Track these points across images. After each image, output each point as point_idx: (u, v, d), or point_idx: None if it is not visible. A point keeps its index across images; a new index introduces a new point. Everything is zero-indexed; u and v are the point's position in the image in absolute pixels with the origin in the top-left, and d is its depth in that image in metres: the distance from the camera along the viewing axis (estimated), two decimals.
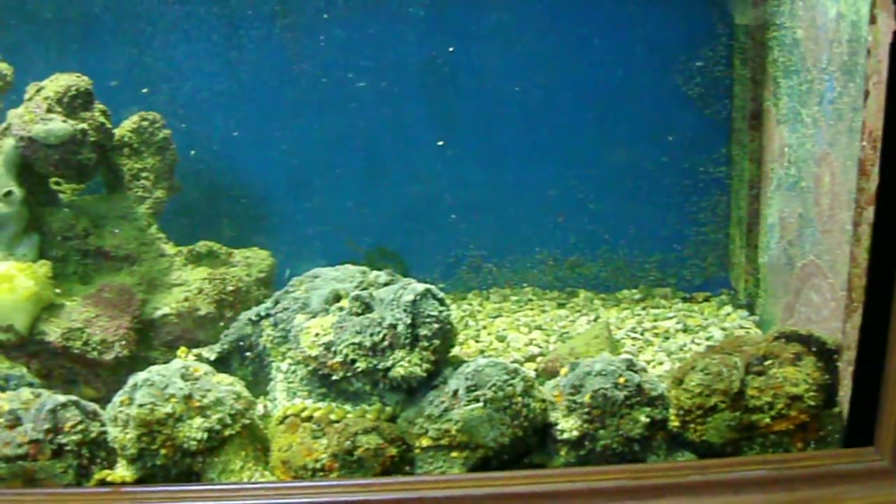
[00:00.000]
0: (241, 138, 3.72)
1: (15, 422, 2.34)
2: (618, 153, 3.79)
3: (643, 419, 2.31)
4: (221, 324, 3.08)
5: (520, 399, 2.29)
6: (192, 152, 3.64)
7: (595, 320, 3.68)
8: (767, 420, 2.30)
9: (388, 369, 2.36)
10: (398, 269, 3.75)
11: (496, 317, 3.77)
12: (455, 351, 2.57)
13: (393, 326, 2.36)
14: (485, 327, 3.67)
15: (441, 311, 2.40)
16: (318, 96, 3.70)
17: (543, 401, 2.36)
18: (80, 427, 2.34)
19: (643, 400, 2.33)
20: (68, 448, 2.33)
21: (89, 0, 3.53)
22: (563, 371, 2.45)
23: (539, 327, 3.63)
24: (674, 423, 2.35)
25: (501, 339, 3.53)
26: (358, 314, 2.40)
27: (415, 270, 3.87)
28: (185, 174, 3.50)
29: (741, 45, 3.55)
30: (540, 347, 3.45)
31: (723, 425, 2.31)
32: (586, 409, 2.31)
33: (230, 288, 3.20)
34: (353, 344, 2.37)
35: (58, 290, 3.06)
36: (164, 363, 2.48)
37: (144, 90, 3.56)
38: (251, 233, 3.70)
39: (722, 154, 3.77)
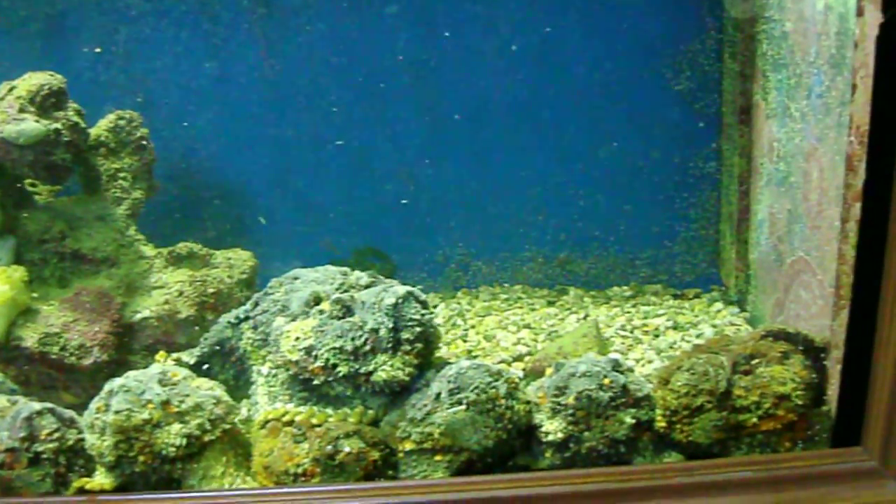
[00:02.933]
0: (221, 137, 3.69)
1: None
2: (607, 149, 3.75)
3: (629, 420, 2.28)
4: (201, 327, 3.04)
5: (503, 401, 2.26)
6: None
7: (584, 318, 3.64)
8: (755, 420, 2.27)
9: (370, 373, 2.32)
10: (386, 267, 3.73)
11: (485, 315, 3.73)
12: (443, 351, 2.54)
13: (375, 331, 2.32)
14: (473, 326, 3.63)
15: (423, 315, 2.37)
16: (304, 93, 3.67)
17: (527, 403, 2.33)
18: (56, 435, 2.31)
19: (629, 401, 2.29)
20: (45, 456, 2.29)
21: None
22: (548, 372, 2.41)
23: (528, 326, 3.59)
24: (660, 423, 2.32)
25: (489, 338, 3.50)
26: (339, 318, 2.37)
27: (403, 269, 3.85)
28: (163, 174, 3.47)
29: (730, 38, 3.51)
30: (528, 347, 3.42)
31: (709, 425, 2.28)
32: (571, 411, 2.28)
33: (211, 290, 3.17)
34: (335, 348, 2.33)
35: (34, 295, 3.02)
36: (144, 368, 2.45)
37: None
38: (232, 233, 3.68)
39: (712, 149, 3.74)
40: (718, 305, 3.72)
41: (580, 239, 3.91)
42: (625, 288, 3.92)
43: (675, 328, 3.54)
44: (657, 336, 3.49)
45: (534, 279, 3.98)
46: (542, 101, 3.72)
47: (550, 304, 3.84)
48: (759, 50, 3.30)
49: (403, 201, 3.76)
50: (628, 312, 3.70)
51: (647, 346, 3.40)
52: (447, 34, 3.61)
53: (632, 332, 3.52)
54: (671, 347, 3.37)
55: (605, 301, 3.84)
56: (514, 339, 3.50)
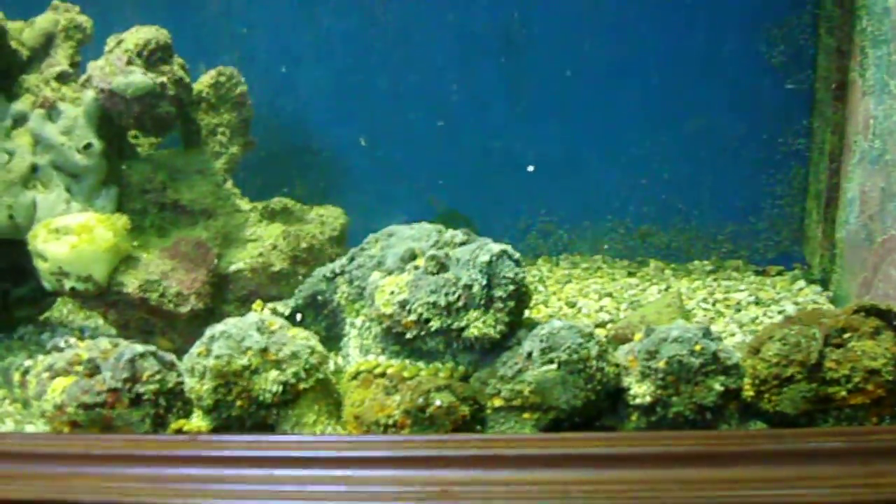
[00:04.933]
0: (317, 95, 3.75)
1: (94, 370, 2.38)
2: (695, 121, 3.74)
3: (717, 387, 2.28)
4: (294, 280, 3.09)
5: (594, 362, 2.27)
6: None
7: (666, 290, 3.64)
8: (844, 393, 2.25)
9: (462, 329, 2.35)
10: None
11: (566, 283, 3.75)
12: (526, 315, 2.55)
13: (468, 287, 2.34)
14: (554, 293, 3.65)
15: (517, 273, 2.38)
16: (396, 53, 3.71)
17: (617, 365, 2.34)
18: (157, 377, 2.37)
19: (718, 368, 2.29)
20: (146, 397, 2.36)
21: None
22: (638, 336, 2.42)
23: (610, 294, 3.60)
24: (748, 392, 2.32)
25: (572, 304, 3.51)
26: (433, 273, 2.39)
27: (485, 234, 3.83)
28: (260, 130, 3.52)
29: (828, 13, 3.48)
30: (610, 314, 3.42)
31: (798, 396, 2.27)
32: (661, 375, 2.28)
33: (304, 245, 3.21)
34: (428, 303, 2.35)
35: (135, 243, 3.09)
36: (239, 317, 2.50)
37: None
38: (325, 190, 3.73)
39: (803, 125, 3.71)
40: (801, 283, 3.69)
41: (663, 211, 3.90)
42: (706, 262, 3.91)
43: (756, 304, 3.52)
44: (739, 310, 3.47)
45: (614, 250, 3.98)
46: (632, 71, 3.72)
47: (631, 274, 3.84)
48: (857, 25, 3.26)
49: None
50: (709, 286, 3.69)
51: (729, 319, 3.39)
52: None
53: (713, 305, 3.51)
54: (753, 322, 3.36)
55: (685, 274, 3.84)
56: (596, 306, 3.51)
